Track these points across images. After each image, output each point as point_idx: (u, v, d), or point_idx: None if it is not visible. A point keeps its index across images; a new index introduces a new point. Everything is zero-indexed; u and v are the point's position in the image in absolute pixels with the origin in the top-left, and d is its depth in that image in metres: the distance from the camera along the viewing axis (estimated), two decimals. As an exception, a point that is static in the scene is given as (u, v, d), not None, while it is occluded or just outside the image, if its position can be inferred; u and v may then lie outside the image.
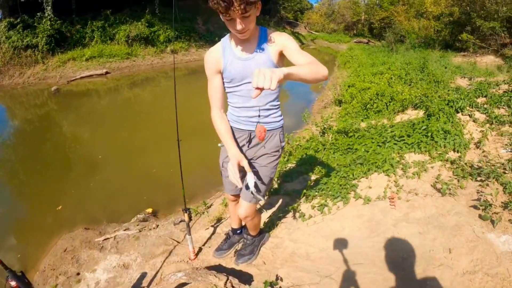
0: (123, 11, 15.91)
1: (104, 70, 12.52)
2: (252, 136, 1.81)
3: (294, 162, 4.11)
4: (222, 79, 1.72)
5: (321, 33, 35.61)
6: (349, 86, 7.20)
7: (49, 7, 12.64)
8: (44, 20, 12.50)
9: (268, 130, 1.80)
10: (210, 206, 3.47)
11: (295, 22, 40.51)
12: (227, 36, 1.67)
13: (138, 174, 4.74)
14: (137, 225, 3.34)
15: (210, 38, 17.64)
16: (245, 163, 1.63)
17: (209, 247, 2.67)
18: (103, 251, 2.90)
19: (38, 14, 12.48)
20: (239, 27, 1.41)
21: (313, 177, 3.59)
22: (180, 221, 3.08)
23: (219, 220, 3.09)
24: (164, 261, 2.58)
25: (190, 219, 2.37)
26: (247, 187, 1.66)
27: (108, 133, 6.55)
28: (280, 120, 1.83)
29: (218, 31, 18.23)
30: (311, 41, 30.41)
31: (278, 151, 1.88)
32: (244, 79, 1.63)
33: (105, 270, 2.62)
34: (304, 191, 3.11)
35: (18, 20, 12.40)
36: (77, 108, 8.67)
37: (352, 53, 15.24)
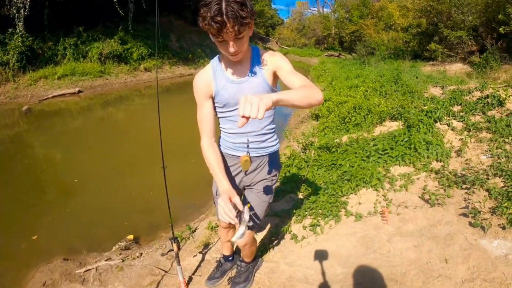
0: (96, 28, 15.52)
1: (77, 89, 12.10)
2: (250, 162, 1.72)
3: (278, 180, 4.02)
4: (214, 104, 1.62)
5: (292, 47, 36.49)
6: (325, 100, 7.21)
7: (21, 23, 12.14)
8: (15, 37, 12.00)
9: (264, 155, 1.73)
10: (194, 231, 3.32)
11: (266, 38, 41.31)
12: (216, 58, 1.58)
13: (117, 198, 4.50)
14: (120, 254, 3.15)
15: (184, 55, 17.41)
16: (237, 200, 1.40)
17: (200, 275, 2.54)
18: (85, 284, 2.70)
19: (9, 30, 11.99)
20: (232, 49, 1.32)
21: (300, 195, 3.53)
22: (168, 251, 2.93)
23: (206, 246, 2.95)
24: (152, 293, 2.44)
25: (179, 248, 2.24)
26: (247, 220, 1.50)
27: (83, 155, 6.26)
28: (277, 143, 1.76)
29: (192, 47, 18.07)
30: (282, 55, 30.94)
31: (276, 175, 1.82)
32: (238, 103, 1.54)
33: (88, 307, 2.43)
34: (294, 211, 3.04)
35: (-11, 36, 11.86)
36: (49, 128, 8.29)
37: (325, 67, 15.38)
